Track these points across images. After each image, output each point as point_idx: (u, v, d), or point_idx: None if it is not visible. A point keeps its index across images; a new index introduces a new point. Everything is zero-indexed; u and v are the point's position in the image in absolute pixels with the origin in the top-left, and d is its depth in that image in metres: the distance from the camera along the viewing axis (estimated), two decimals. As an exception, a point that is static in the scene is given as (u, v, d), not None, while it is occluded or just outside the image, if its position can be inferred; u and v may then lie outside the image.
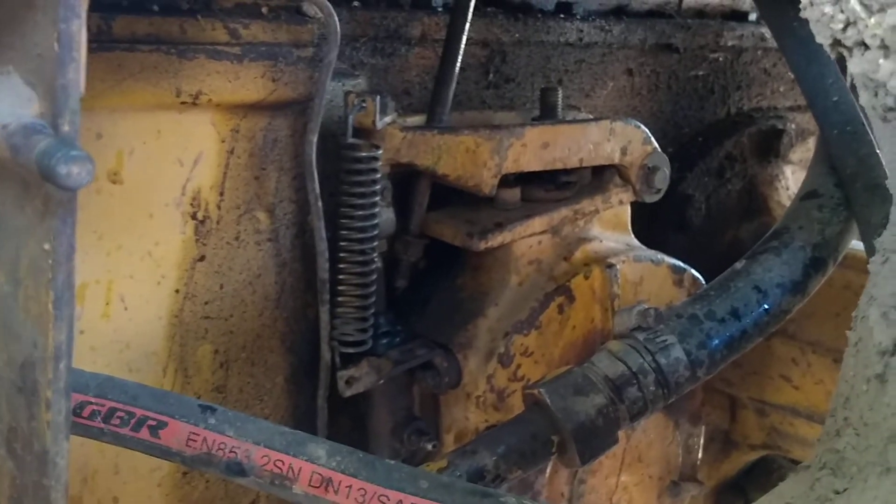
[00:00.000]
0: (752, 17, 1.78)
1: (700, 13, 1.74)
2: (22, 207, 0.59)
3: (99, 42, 1.04)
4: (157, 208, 1.15)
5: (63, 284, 0.58)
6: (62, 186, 0.52)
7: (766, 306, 1.16)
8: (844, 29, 0.56)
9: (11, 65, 0.58)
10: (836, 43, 0.57)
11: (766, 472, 1.73)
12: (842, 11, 0.55)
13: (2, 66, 0.58)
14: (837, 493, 0.66)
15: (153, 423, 0.89)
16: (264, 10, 1.17)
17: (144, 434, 0.89)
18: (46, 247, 0.58)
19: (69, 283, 0.59)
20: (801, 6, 0.59)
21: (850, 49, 0.56)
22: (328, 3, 1.13)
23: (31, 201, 0.58)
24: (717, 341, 1.15)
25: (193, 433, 0.89)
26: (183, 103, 1.11)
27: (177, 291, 1.18)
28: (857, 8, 0.54)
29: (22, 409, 0.63)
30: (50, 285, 0.58)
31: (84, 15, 0.54)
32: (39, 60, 0.55)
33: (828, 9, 0.56)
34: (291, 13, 1.19)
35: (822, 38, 0.58)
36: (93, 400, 0.88)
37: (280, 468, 0.88)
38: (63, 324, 0.58)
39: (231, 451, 0.88)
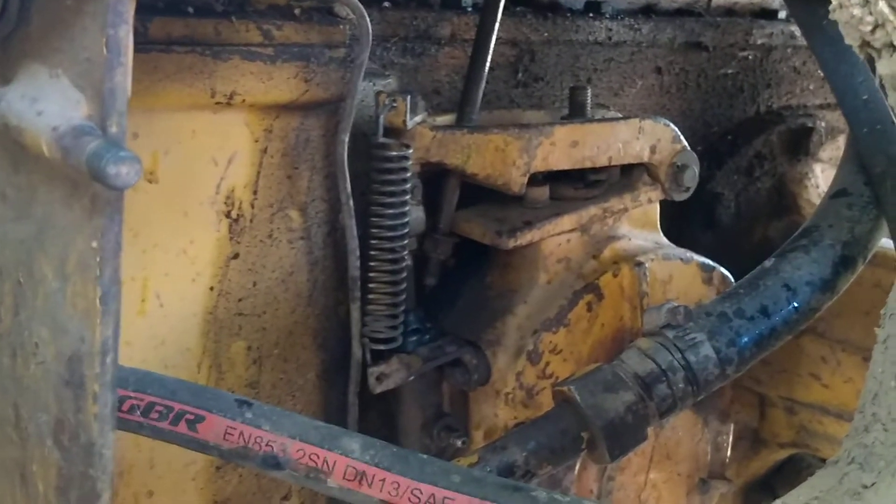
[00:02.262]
0: (782, 14, 1.77)
1: (729, 11, 1.74)
2: (70, 206, 0.61)
3: (135, 43, 1.05)
4: (192, 207, 1.17)
5: (110, 280, 0.60)
6: (111, 186, 0.54)
7: (795, 304, 1.16)
8: (873, 31, 0.56)
9: (60, 68, 0.59)
10: (865, 44, 0.58)
11: (796, 471, 1.73)
12: (870, 13, 0.56)
13: (51, 69, 0.60)
14: (866, 487, 0.66)
15: (191, 417, 0.90)
16: (297, 11, 1.18)
17: (182, 428, 0.91)
18: (94, 244, 0.59)
19: (116, 279, 0.60)
20: (830, 8, 0.60)
21: (878, 50, 0.57)
22: (360, 5, 1.15)
23: (79, 200, 0.60)
24: (746, 339, 1.15)
25: (230, 427, 0.90)
26: (217, 103, 1.13)
27: (211, 289, 1.20)
28: (886, 10, 0.54)
29: (69, 402, 0.65)
30: (97, 281, 0.59)
31: (131, 20, 0.56)
32: (88, 64, 0.57)
33: (857, 11, 0.56)
34: (323, 14, 1.20)
35: (852, 40, 0.59)
36: (132, 394, 0.90)
37: (315, 462, 0.90)
38: (110, 319, 0.60)
39: (267, 445, 0.90)
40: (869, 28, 0.57)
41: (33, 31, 0.64)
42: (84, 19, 0.56)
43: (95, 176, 0.55)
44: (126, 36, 0.55)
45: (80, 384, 0.64)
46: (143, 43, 1.07)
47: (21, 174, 0.66)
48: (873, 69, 1.19)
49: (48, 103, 0.59)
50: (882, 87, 1.18)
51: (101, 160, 0.54)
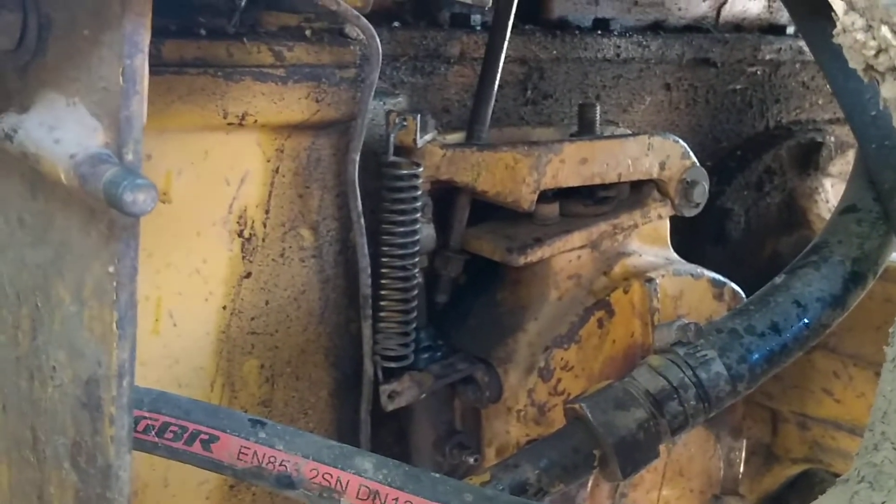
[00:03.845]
0: (790, 30, 1.78)
1: (738, 27, 1.75)
2: (87, 232, 0.62)
3: (149, 66, 1.07)
4: (204, 227, 1.18)
5: (126, 305, 0.61)
6: (128, 213, 0.55)
7: (806, 321, 1.16)
8: (876, 55, 0.57)
9: (77, 96, 0.60)
10: (869, 68, 0.58)
11: (809, 486, 1.72)
12: (874, 38, 0.56)
13: (68, 97, 0.61)
14: (875, 506, 0.67)
15: (205, 437, 0.91)
16: (308, 32, 1.20)
17: (197, 448, 0.91)
18: (111, 269, 0.60)
19: (132, 304, 0.61)
20: (834, 32, 0.60)
21: (882, 74, 0.58)
22: (370, 25, 1.16)
23: (96, 226, 0.61)
24: (757, 356, 1.15)
25: (244, 447, 0.91)
26: (230, 124, 1.14)
27: (224, 308, 1.21)
28: (889, 35, 0.55)
29: (86, 425, 0.66)
30: (114, 306, 0.60)
31: (147, 50, 0.57)
32: (104, 93, 0.58)
33: (860, 36, 0.57)
34: (334, 35, 1.21)
35: (856, 64, 0.59)
36: (147, 415, 0.91)
37: (328, 481, 0.90)
38: (126, 342, 0.61)
39: (281, 465, 0.91)
40: (872, 52, 0.57)
41: (50, 60, 0.65)
42: (101, 49, 0.57)
43: (112, 203, 0.55)
44: (142, 66, 0.56)
45: (96, 407, 0.65)
46: (156, 65, 1.08)
47: (39, 200, 0.67)
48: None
49: (65, 131, 0.60)
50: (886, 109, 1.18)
51: (118, 188, 0.55)
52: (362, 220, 1.22)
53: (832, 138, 1.71)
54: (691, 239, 1.61)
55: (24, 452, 0.74)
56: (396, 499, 0.89)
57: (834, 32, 0.60)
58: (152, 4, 0.60)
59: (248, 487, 1.26)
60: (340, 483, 0.90)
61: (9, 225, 0.71)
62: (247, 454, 0.91)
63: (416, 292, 1.27)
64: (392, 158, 1.23)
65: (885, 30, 0.55)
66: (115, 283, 0.60)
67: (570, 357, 1.32)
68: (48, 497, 0.72)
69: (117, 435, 0.63)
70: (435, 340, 1.33)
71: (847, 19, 0.57)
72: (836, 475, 1.63)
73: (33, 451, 0.73)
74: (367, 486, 0.90)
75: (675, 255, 1.46)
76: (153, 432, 0.90)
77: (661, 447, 1.15)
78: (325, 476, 0.90)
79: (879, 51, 0.57)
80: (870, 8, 0.55)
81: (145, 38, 0.56)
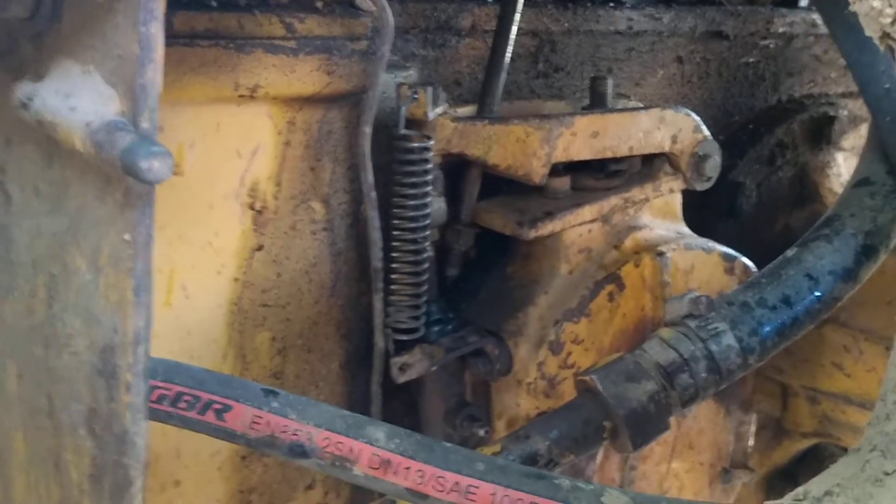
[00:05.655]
0: (803, 2, 1.76)
1: (750, 0, 1.73)
2: (103, 200, 0.62)
3: (162, 36, 1.07)
4: (216, 199, 1.18)
5: (142, 272, 0.61)
6: (144, 180, 0.55)
7: (817, 293, 1.16)
8: (893, 23, 0.57)
9: (93, 64, 0.61)
10: (886, 36, 0.58)
11: (818, 460, 1.73)
12: (890, 6, 0.56)
13: (84, 65, 0.61)
14: (887, 474, 0.67)
15: (218, 406, 0.92)
16: (319, 4, 1.19)
17: (210, 417, 0.92)
18: (127, 237, 0.61)
19: (147, 271, 0.62)
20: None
21: (897, 41, 0.57)
22: (381, -3, 1.15)
23: (112, 194, 0.61)
24: (768, 328, 1.15)
25: (257, 416, 0.92)
26: (241, 97, 1.14)
27: (236, 280, 1.21)
28: (905, 3, 0.55)
29: (102, 392, 0.67)
30: (130, 273, 0.61)
31: (162, 17, 0.57)
32: (119, 61, 0.58)
33: (876, 3, 0.57)
34: (345, 7, 1.21)
35: (872, 31, 0.59)
36: (161, 384, 0.91)
37: (341, 450, 0.91)
38: (142, 310, 0.61)
39: (293, 434, 0.91)
40: (889, 20, 0.57)
41: (65, 28, 0.65)
42: (116, 17, 0.57)
43: (128, 170, 0.56)
44: (157, 33, 0.57)
45: (112, 374, 0.65)
46: (167, 37, 1.07)
47: (54, 168, 0.67)
48: (895, 59, 1.19)
49: (81, 99, 0.60)
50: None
51: (134, 155, 0.55)
52: (373, 194, 1.22)
53: (845, 112, 1.70)
54: (703, 213, 1.61)
55: (41, 419, 0.75)
56: (409, 468, 0.90)
57: (850, 0, 0.60)
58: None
59: (260, 458, 1.27)
60: (353, 452, 0.91)
61: (24, 193, 0.71)
62: (259, 423, 0.91)
63: (426, 265, 1.28)
64: (403, 131, 1.23)
65: (902, -2, 0.55)
66: (131, 251, 0.60)
67: (581, 330, 1.32)
68: (65, 464, 0.73)
69: (133, 402, 0.64)
70: (446, 313, 1.33)
71: (864, -13, 0.57)
72: (846, 449, 1.64)
73: (49, 418, 0.74)
74: (378, 455, 0.90)
75: (686, 229, 1.46)
76: (167, 401, 0.91)
77: (672, 420, 1.16)
78: (338, 445, 0.91)
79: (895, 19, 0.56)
80: (887, -25, 0.55)
81: (160, 5, 0.56)
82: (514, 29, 1.33)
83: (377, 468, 0.90)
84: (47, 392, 0.73)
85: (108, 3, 0.58)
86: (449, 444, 0.93)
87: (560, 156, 1.32)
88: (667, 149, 1.39)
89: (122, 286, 0.62)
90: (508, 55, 1.33)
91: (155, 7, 0.56)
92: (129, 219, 0.60)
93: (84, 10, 0.61)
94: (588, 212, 1.35)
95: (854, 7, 0.60)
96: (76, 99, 0.61)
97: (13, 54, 0.70)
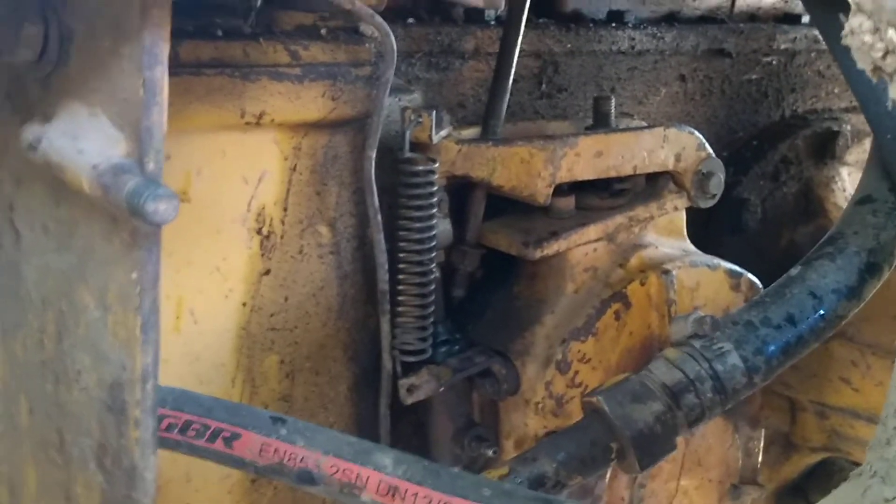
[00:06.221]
0: (805, 19, 1.77)
1: (752, 17, 1.74)
2: (110, 240, 0.63)
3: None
4: (224, 225, 1.19)
5: (149, 310, 0.62)
6: (150, 223, 0.56)
7: (821, 312, 1.17)
8: (884, 57, 0.57)
9: (99, 107, 0.62)
10: (877, 69, 0.59)
11: (828, 475, 1.72)
12: (881, 40, 0.57)
13: (90, 108, 0.62)
14: (888, 500, 0.67)
15: (227, 434, 0.93)
16: (323, 31, 1.20)
17: (219, 445, 0.93)
18: (133, 276, 0.62)
19: (155, 309, 0.63)
20: (842, 33, 0.61)
21: (890, 75, 0.58)
22: (384, 23, 1.16)
23: (118, 234, 0.62)
24: (773, 347, 1.15)
25: (265, 444, 0.93)
26: (247, 124, 1.15)
27: (244, 304, 1.22)
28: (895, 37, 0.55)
29: (111, 427, 0.68)
30: (137, 311, 0.62)
31: (166, 61, 0.58)
32: (125, 104, 0.59)
33: (867, 38, 0.57)
34: (349, 33, 1.22)
35: (864, 65, 0.60)
36: (170, 413, 0.92)
37: (348, 477, 0.91)
38: (150, 347, 0.62)
39: (301, 461, 0.92)
40: (880, 54, 0.58)
41: (72, 71, 0.66)
42: (121, 61, 0.59)
43: (134, 213, 0.57)
44: (162, 77, 0.58)
45: (121, 410, 0.66)
46: (173, 66, 1.08)
47: (62, 208, 0.68)
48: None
49: (88, 141, 0.61)
50: None
51: (140, 197, 0.56)
52: (379, 216, 1.23)
53: (848, 127, 1.70)
54: (708, 230, 1.61)
55: (51, 453, 0.76)
56: (416, 494, 0.90)
57: (842, 35, 0.61)
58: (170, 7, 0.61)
59: (270, 482, 1.28)
60: (360, 478, 0.91)
61: (34, 232, 0.72)
62: (268, 451, 0.92)
63: (433, 287, 1.28)
64: (408, 154, 1.24)
65: (892, 32, 0.55)
66: (138, 289, 0.61)
67: (588, 349, 1.33)
68: (75, 497, 0.74)
69: (142, 437, 0.65)
70: (452, 334, 1.34)
71: (855, 21, 0.58)
72: (856, 464, 1.63)
73: (60, 453, 0.75)
74: (386, 482, 0.91)
75: (691, 247, 1.46)
76: (176, 430, 0.92)
77: (679, 439, 1.16)
78: (346, 472, 0.91)
79: (887, 52, 0.57)
80: (877, 11, 0.56)
81: (164, 50, 0.58)
82: (517, 51, 1.34)
83: (385, 494, 0.91)
84: (58, 427, 0.74)
85: (114, 48, 0.59)
86: (456, 470, 0.93)
87: (564, 176, 1.32)
88: (671, 167, 1.40)
89: (130, 324, 0.63)
90: (511, 77, 1.34)
91: (159, 52, 0.57)
92: (135, 258, 0.61)
93: (90, 54, 0.62)
94: (593, 231, 1.36)
95: (845, 41, 0.60)
96: (83, 141, 0.62)
97: (22, 96, 0.71)
